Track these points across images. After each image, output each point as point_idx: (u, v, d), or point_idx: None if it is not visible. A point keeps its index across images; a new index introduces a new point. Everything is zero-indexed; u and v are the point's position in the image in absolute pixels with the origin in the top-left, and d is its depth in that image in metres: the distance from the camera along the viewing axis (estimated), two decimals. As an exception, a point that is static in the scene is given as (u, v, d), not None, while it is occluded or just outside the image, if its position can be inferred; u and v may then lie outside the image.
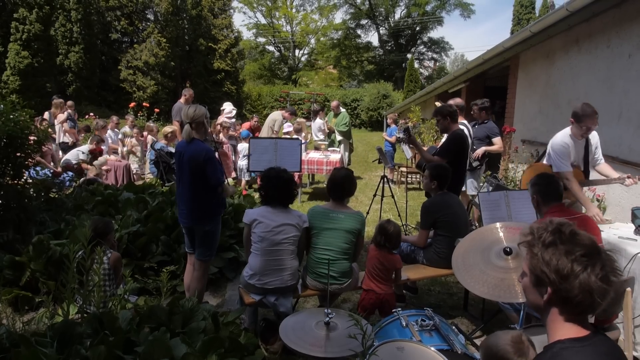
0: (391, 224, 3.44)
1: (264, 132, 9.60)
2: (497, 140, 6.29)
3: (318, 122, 10.22)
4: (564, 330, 1.33)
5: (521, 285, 1.48)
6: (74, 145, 8.95)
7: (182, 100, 8.31)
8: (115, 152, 9.45)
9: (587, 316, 1.35)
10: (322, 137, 10.11)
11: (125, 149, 9.49)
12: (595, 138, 4.33)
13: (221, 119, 9.75)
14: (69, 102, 9.82)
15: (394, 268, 3.44)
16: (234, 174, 9.41)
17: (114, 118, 10.58)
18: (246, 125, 10.87)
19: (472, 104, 6.57)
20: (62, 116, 9.38)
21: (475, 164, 6.21)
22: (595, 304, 1.28)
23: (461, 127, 5.15)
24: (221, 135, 9.30)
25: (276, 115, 9.63)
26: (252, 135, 9.62)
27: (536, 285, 1.39)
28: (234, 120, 9.69)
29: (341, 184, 3.59)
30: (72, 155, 7.65)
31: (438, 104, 6.79)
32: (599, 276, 1.27)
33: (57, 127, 9.48)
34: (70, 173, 6.29)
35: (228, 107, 9.92)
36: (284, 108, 10.40)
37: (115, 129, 9.99)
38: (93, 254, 2.86)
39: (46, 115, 9.82)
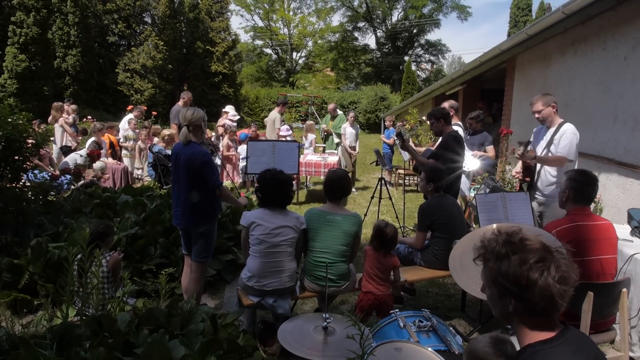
0: (387, 225, 3.47)
1: (269, 132, 9.62)
2: (489, 149, 6.43)
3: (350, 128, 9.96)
4: (533, 334, 1.36)
5: (487, 298, 1.50)
6: (77, 148, 8.97)
7: (180, 103, 8.33)
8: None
9: (554, 317, 1.37)
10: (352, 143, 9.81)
11: (126, 152, 9.51)
12: (560, 132, 4.17)
13: (222, 121, 9.77)
14: (73, 106, 9.81)
15: (392, 267, 3.46)
16: (237, 179, 9.40)
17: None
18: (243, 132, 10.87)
19: (468, 118, 6.62)
20: (63, 120, 9.39)
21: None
22: (558, 306, 1.32)
23: (455, 127, 5.17)
24: (226, 138, 9.27)
25: (273, 114, 9.67)
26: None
27: (500, 297, 1.41)
28: (235, 123, 9.71)
29: (338, 185, 3.61)
30: (70, 159, 7.65)
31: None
32: (556, 278, 1.29)
33: (57, 131, 9.48)
34: (68, 176, 6.28)
35: (232, 110, 9.96)
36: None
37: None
38: (92, 256, 2.87)
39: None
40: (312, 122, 11.12)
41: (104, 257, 3.34)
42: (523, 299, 1.34)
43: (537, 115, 4.29)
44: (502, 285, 1.37)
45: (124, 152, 9.52)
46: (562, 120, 4.26)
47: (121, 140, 9.61)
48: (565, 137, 4.12)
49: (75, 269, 3.26)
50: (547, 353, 1.30)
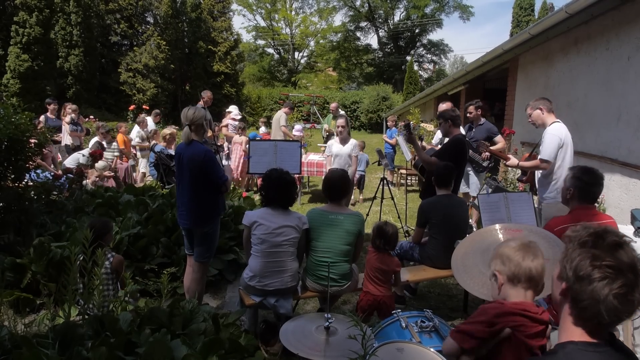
0: (388, 225, 3.47)
1: (275, 133, 9.62)
2: (498, 138, 6.33)
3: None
4: (575, 332, 1.32)
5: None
6: (77, 148, 8.99)
7: (200, 102, 8.29)
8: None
9: (601, 325, 1.30)
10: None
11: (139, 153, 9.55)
12: (544, 132, 4.33)
13: (225, 121, 9.78)
14: (73, 106, 9.88)
15: (393, 271, 3.45)
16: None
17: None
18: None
19: (467, 105, 6.58)
20: (66, 119, 9.46)
21: (486, 163, 6.22)
22: (601, 317, 1.25)
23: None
24: (243, 137, 9.23)
25: (278, 114, 9.68)
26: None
27: (559, 278, 1.38)
28: (237, 123, 9.72)
29: (338, 184, 3.60)
30: (73, 159, 7.66)
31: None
32: (615, 292, 1.22)
33: (63, 130, 9.53)
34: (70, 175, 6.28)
35: (235, 110, 9.96)
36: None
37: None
38: (94, 255, 2.86)
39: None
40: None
41: (106, 258, 3.33)
42: (573, 288, 1.30)
43: (528, 120, 4.46)
44: (564, 266, 1.34)
45: (140, 152, 9.58)
46: (554, 120, 4.32)
47: (137, 140, 9.65)
48: (545, 139, 4.22)
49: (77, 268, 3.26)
50: (590, 356, 1.26)
